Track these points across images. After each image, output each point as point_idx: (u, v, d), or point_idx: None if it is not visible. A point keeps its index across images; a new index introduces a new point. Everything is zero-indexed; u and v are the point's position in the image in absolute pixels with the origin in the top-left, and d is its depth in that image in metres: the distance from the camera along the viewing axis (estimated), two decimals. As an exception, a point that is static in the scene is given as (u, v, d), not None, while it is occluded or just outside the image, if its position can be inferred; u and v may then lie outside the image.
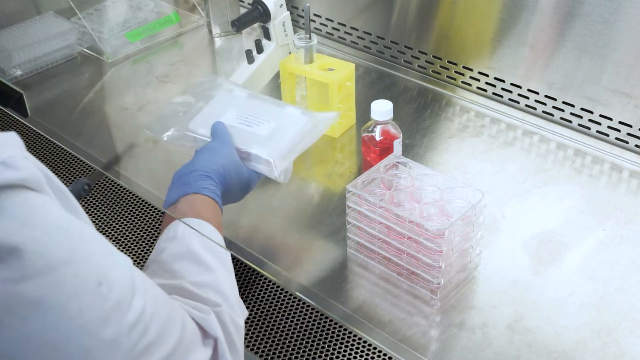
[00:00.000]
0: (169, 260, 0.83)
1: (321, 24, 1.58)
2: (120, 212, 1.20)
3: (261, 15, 1.29)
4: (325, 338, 0.97)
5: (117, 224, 1.18)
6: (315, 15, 1.58)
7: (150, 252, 1.14)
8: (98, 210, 1.22)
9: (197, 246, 0.84)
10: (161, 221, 1.19)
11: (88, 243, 0.63)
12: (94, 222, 1.20)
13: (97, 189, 1.28)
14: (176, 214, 0.90)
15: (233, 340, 0.78)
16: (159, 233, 1.17)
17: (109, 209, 1.21)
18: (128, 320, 0.63)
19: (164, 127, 1.12)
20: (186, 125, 1.09)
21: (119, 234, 1.16)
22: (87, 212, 1.21)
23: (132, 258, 1.13)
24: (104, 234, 1.16)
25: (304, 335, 0.97)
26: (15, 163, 0.58)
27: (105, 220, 1.19)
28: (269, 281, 1.05)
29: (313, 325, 0.98)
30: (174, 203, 0.92)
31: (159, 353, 0.66)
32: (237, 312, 0.80)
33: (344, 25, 1.55)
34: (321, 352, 0.95)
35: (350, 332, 0.97)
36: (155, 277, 0.81)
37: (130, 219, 1.22)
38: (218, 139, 1.03)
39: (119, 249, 1.12)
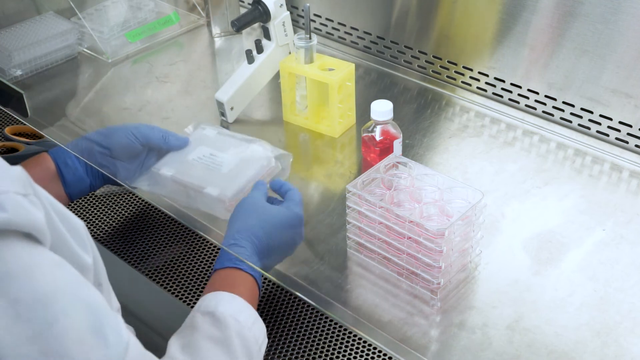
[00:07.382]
0: (200, 338, 0.80)
1: (321, 24, 1.58)
2: (122, 213, 1.20)
3: (261, 15, 1.29)
4: (325, 338, 0.97)
5: (117, 224, 1.18)
6: (315, 15, 1.58)
7: (154, 253, 1.14)
8: (99, 211, 1.22)
9: (232, 333, 0.81)
10: (165, 223, 1.20)
11: (71, 318, 0.58)
12: (94, 222, 1.20)
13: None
14: (217, 284, 0.88)
15: None
16: (162, 235, 1.17)
17: (109, 209, 1.21)
18: None
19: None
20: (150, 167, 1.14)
21: (120, 235, 1.16)
22: (88, 213, 1.21)
23: (134, 260, 1.13)
24: (105, 235, 1.16)
25: (304, 335, 0.97)
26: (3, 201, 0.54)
27: (106, 221, 1.20)
28: (269, 281, 1.05)
29: (313, 325, 0.98)
30: (217, 270, 0.91)
31: None
32: None
33: (344, 25, 1.55)
34: (321, 352, 0.95)
35: (350, 332, 0.97)
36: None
37: (132, 219, 1.22)
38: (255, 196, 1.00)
39: (120, 251, 1.12)
